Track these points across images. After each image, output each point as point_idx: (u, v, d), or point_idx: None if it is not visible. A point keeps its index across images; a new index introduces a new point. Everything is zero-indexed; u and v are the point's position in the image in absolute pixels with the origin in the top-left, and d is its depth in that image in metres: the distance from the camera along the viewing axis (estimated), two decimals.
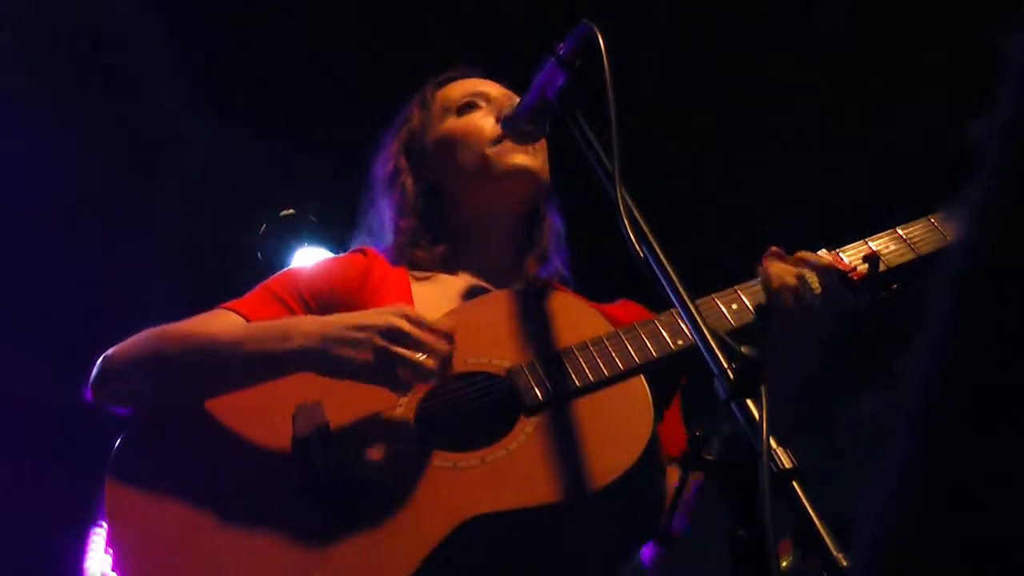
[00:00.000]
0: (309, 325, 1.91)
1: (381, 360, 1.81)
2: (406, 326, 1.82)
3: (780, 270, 1.95)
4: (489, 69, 2.40)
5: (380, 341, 1.81)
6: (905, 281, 1.97)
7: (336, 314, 1.93)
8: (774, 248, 2.00)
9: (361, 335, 1.83)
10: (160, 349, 2.00)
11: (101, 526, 4.68)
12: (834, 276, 1.94)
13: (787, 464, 1.34)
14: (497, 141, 2.18)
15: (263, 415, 1.94)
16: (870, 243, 2.01)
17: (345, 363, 1.84)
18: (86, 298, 4.48)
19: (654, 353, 1.90)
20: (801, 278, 1.93)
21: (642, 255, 1.58)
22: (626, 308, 2.24)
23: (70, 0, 4.01)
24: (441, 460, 1.84)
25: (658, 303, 1.85)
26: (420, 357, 1.80)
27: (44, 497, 4.56)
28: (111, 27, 4.08)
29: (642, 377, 1.87)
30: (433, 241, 2.24)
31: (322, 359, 1.86)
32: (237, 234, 4.78)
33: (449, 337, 1.85)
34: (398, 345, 1.81)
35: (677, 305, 1.55)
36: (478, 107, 2.28)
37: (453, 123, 2.27)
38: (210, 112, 4.42)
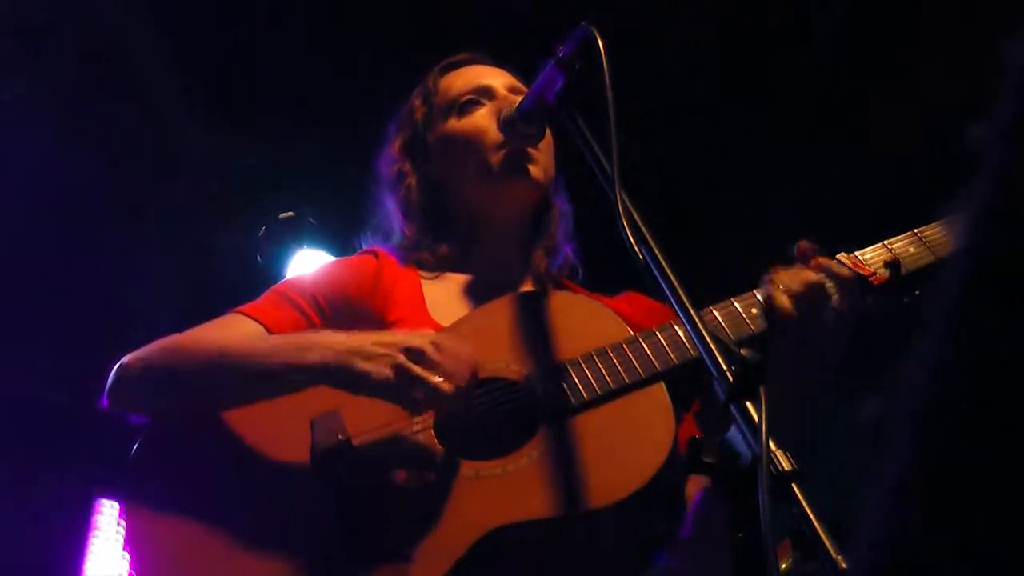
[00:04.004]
0: (330, 338, 1.88)
1: (400, 377, 1.79)
2: (429, 349, 1.80)
3: (789, 278, 1.88)
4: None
5: (401, 358, 1.79)
6: (924, 285, 1.94)
7: (358, 334, 1.89)
8: (804, 244, 1.94)
9: (383, 351, 1.81)
10: (176, 360, 1.98)
11: (101, 530, 4.67)
12: (854, 287, 1.88)
13: (786, 466, 1.34)
14: (499, 145, 2.16)
15: (280, 425, 1.92)
16: (889, 246, 1.97)
17: (364, 377, 1.81)
18: (86, 299, 4.48)
19: (674, 360, 1.88)
20: (812, 287, 1.87)
21: (642, 258, 1.58)
22: (631, 300, 2.23)
23: (70, 0, 4.01)
24: (465, 468, 1.83)
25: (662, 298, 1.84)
26: (437, 380, 1.78)
27: (44, 499, 4.56)
28: (111, 27, 4.08)
29: (662, 383, 1.87)
30: (438, 242, 2.22)
31: (342, 372, 1.84)
32: (237, 236, 4.78)
33: (473, 365, 1.82)
34: (418, 365, 1.79)
35: (676, 307, 1.55)
36: (480, 105, 2.23)
37: (455, 123, 2.24)
38: (210, 114, 4.42)
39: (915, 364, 0.69)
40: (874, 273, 1.92)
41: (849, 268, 1.92)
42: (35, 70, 4.10)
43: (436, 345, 1.81)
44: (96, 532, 4.69)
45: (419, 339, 1.82)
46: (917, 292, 1.93)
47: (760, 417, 1.34)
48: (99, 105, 4.25)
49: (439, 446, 1.87)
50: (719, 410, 1.40)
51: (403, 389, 1.79)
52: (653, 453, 1.79)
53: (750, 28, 4.25)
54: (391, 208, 2.30)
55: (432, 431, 1.89)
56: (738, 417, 1.37)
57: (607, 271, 2.28)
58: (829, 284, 1.89)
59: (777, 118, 4.42)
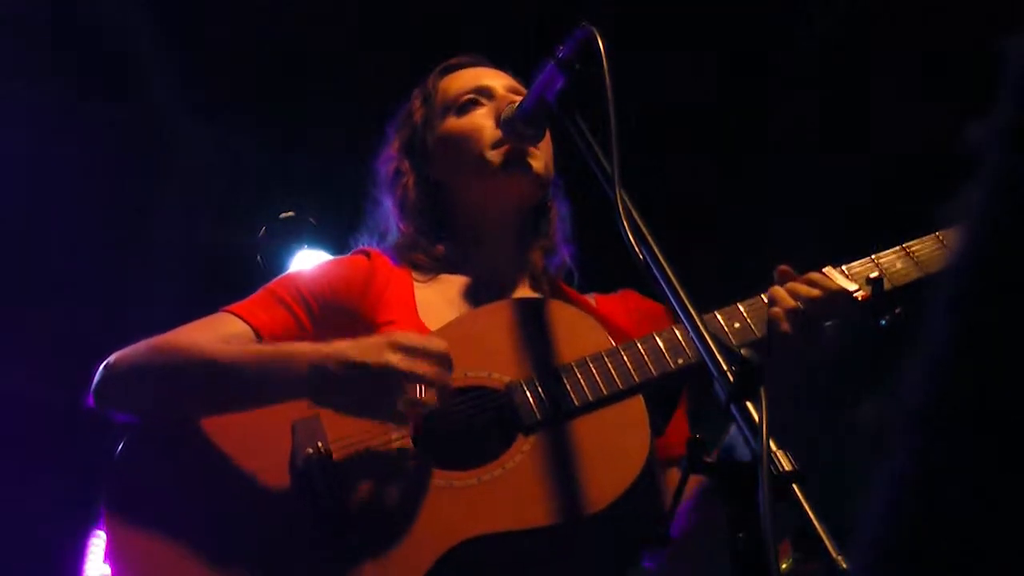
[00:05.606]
0: (307, 357, 1.87)
1: (379, 398, 1.80)
2: (402, 363, 1.78)
3: (781, 294, 1.87)
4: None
5: (375, 380, 1.79)
6: (910, 302, 1.92)
7: (336, 343, 1.88)
8: (783, 268, 1.93)
9: (356, 373, 1.81)
10: (160, 362, 1.98)
11: (100, 532, 4.67)
12: (843, 301, 1.86)
13: (787, 467, 1.34)
14: (498, 143, 2.15)
15: (263, 429, 1.93)
16: (876, 260, 1.94)
17: (343, 402, 1.85)
18: (86, 298, 4.48)
19: (653, 372, 1.88)
20: (807, 301, 1.85)
21: (641, 258, 1.58)
22: (627, 298, 2.23)
23: (70, 0, 4.01)
24: (437, 479, 1.84)
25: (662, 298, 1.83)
26: (416, 393, 1.79)
27: (43, 499, 4.56)
28: (111, 27, 4.08)
29: (640, 397, 1.87)
30: (435, 242, 2.22)
31: (322, 395, 1.86)
32: (237, 236, 4.78)
33: (445, 359, 1.82)
34: (393, 382, 1.79)
35: (676, 308, 1.55)
36: (479, 104, 2.23)
37: (453, 123, 2.23)
38: (210, 114, 4.42)
39: (915, 366, 0.69)
40: (858, 289, 1.89)
41: (838, 284, 1.89)
42: (35, 70, 4.10)
43: (406, 349, 1.81)
44: (96, 532, 4.69)
45: (390, 355, 1.80)
46: (899, 311, 1.90)
47: (760, 417, 1.34)
48: (99, 105, 4.24)
49: (415, 457, 1.87)
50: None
51: (383, 408, 1.81)
52: (628, 465, 1.79)
53: (750, 28, 4.25)
54: (388, 207, 2.31)
55: (410, 440, 1.89)
56: (739, 417, 1.37)
57: (606, 272, 2.28)
58: (825, 300, 1.86)
59: (777, 118, 4.41)
